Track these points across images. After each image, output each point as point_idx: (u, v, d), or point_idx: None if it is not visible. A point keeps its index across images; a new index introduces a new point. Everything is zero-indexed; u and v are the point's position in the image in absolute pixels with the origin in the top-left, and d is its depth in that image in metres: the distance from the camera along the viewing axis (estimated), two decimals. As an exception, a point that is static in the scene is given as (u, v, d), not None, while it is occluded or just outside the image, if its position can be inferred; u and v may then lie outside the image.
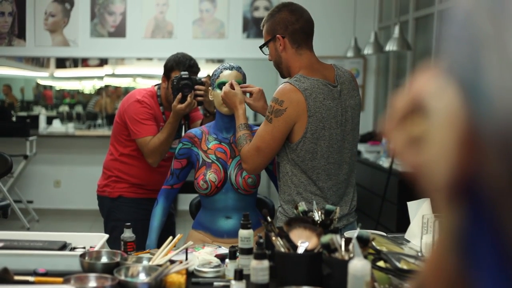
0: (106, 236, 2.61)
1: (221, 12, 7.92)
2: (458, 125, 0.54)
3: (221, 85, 3.16)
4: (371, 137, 7.27)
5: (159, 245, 3.24)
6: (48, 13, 7.84)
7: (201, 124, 3.79)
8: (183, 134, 3.85)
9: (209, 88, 3.28)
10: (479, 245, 0.56)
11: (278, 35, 2.97)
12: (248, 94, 3.21)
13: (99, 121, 9.26)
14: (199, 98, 3.63)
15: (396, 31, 6.06)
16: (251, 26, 7.95)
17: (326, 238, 2.03)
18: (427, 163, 0.60)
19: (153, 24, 7.89)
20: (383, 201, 5.85)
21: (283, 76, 3.11)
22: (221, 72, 3.20)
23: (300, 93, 2.81)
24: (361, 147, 6.84)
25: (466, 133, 0.53)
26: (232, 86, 3.11)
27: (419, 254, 2.30)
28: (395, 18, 7.22)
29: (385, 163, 6.16)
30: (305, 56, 2.97)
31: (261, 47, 3.14)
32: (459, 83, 0.53)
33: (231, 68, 3.21)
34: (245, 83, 3.24)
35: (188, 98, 3.57)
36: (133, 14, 7.88)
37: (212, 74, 3.27)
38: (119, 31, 7.91)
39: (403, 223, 5.48)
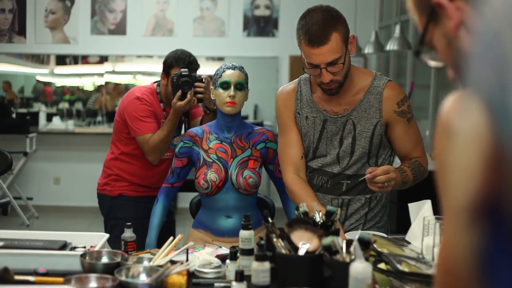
0: (107, 235, 2.61)
1: (221, 10, 7.92)
2: (484, 146, 0.53)
3: (223, 84, 3.14)
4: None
5: (158, 244, 3.25)
6: (48, 10, 7.85)
7: (201, 121, 3.79)
8: (183, 131, 3.85)
9: (211, 87, 3.27)
10: (501, 265, 0.55)
11: (352, 34, 2.76)
12: None
13: (99, 118, 9.25)
14: (199, 95, 3.62)
15: (397, 30, 6.06)
16: (251, 24, 7.95)
17: (327, 240, 2.03)
18: (451, 183, 0.59)
19: (154, 22, 7.89)
20: (383, 200, 5.86)
21: (339, 90, 2.81)
22: (224, 71, 3.19)
23: None
24: (361, 146, 6.84)
25: (492, 154, 0.52)
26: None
27: (420, 256, 2.30)
28: (396, 18, 7.22)
29: (385, 162, 6.16)
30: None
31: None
32: (485, 103, 0.52)
33: (233, 67, 3.20)
34: (247, 82, 3.23)
35: (188, 95, 3.56)
36: (133, 12, 7.88)
37: (214, 74, 3.25)
38: (120, 29, 7.92)
39: (403, 222, 5.48)
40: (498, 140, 0.51)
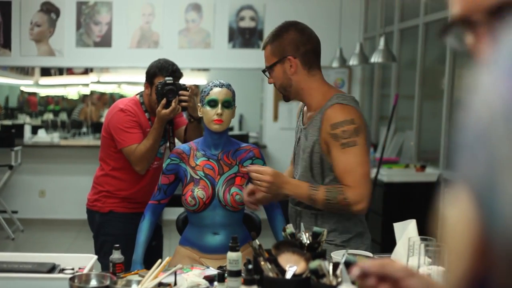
0: (95, 257, 2.62)
1: (207, 22, 7.93)
2: (471, 234, 0.54)
3: (211, 102, 3.15)
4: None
5: (145, 260, 3.26)
6: (33, 23, 7.83)
7: (185, 130, 3.81)
8: (167, 140, 3.86)
9: (198, 104, 3.29)
10: None
11: (289, 56, 2.85)
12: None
13: (84, 130, 9.25)
14: (184, 104, 3.64)
15: (382, 42, 6.10)
16: (236, 36, 7.98)
17: (314, 264, 2.05)
18: (447, 266, 0.60)
19: (139, 34, 7.89)
20: (369, 212, 5.88)
21: (288, 99, 2.99)
22: (211, 89, 3.19)
23: (356, 109, 2.78)
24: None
25: (479, 243, 0.54)
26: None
27: (406, 276, 2.33)
28: (380, 29, 7.27)
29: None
30: (318, 77, 2.91)
31: (266, 70, 2.98)
32: (474, 196, 0.54)
33: (221, 85, 3.20)
34: (234, 100, 3.24)
35: (173, 104, 3.59)
36: (119, 24, 7.88)
37: (201, 91, 3.27)
38: (105, 41, 7.91)
39: (388, 234, 5.52)
40: (485, 233, 0.53)
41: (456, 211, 0.56)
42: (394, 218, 5.49)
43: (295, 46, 2.85)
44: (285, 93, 2.96)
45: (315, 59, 2.91)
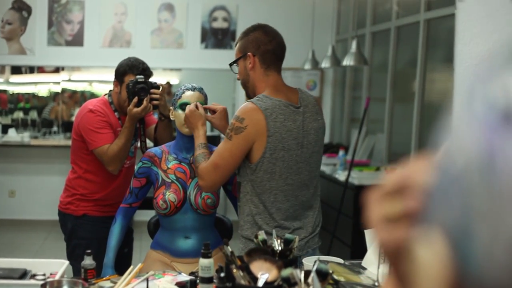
0: (66, 263, 2.61)
1: (179, 23, 7.92)
2: (444, 279, 0.55)
3: (183, 105, 3.17)
4: (327, 149, 7.32)
5: (116, 264, 3.26)
6: (4, 21, 7.76)
7: (155, 128, 3.81)
8: (138, 139, 3.84)
9: (170, 107, 3.30)
10: None
11: (249, 53, 2.99)
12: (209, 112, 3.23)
13: (55, 129, 9.17)
14: (155, 102, 3.64)
15: (354, 46, 6.13)
16: (209, 36, 7.98)
17: (286, 272, 2.07)
18: None
19: (111, 33, 7.86)
20: (339, 214, 5.92)
21: (248, 96, 3.10)
22: (183, 92, 3.21)
23: (261, 112, 2.84)
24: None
25: (452, 286, 0.54)
26: (196, 107, 3.12)
27: (376, 284, 2.36)
28: (353, 32, 7.31)
29: (341, 176, 6.22)
30: (272, 78, 3.00)
31: (231, 64, 3.13)
32: (448, 240, 0.54)
33: (193, 89, 3.22)
34: (206, 103, 3.26)
35: (144, 102, 3.58)
36: (91, 23, 7.84)
37: (174, 94, 3.28)
38: (77, 40, 7.87)
39: (358, 237, 5.55)
40: (458, 277, 0.53)
41: (428, 252, 0.56)
42: (364, 221, 5.58)
43: (256, 44, 2.99)
44: (245, 89, 3.12)
45: (274, 60, 3.02)
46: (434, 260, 0.55)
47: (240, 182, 3.00)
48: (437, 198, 0.55)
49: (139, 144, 3.87)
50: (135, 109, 3.57)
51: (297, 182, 2.95)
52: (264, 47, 2.98)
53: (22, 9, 7.79)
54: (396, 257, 0.62)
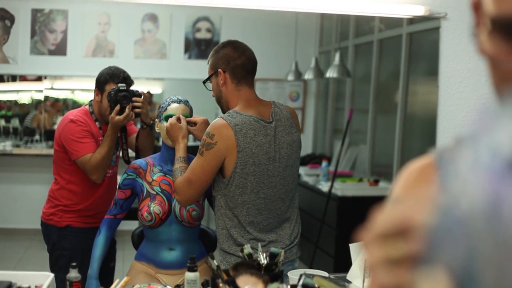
0: (52, 275, 2.61)
1: (163, 33, 7.92)
2: None
3: (168, 117, 3.19)
4: (310, 160, 7.35)
5: (100, 274, 3.26)
6: (-13, 30, 7.72)
7: (137, 137, 3.81)
8: (119, 148, 3.84)
9: (156, 120, 3.31)
10: None
11: (219, 70, 3.02)
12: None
13: (37, 137, 9.13)
14: (137, 110, 3.64)
15: (337, 58, 6.17)
16: (192, 47, 7.98)
17: (272, 287, 2.08)
18: None
19: (95, 43, 7.84)
20: (322, 225, 5.94)
21: (223, 111, 3.13)
22: (169, 105, 3.23)
23: (231, 128, 2.88)
24: (301, 170, 6.90)
25: None
26: (178, 120, 3.14)
27: (361, 297, 2.37)
28: (336, 44, 7.35)
29: (324, 187, 6.24)
30: (243, 92, 3.04)
31: (204, 82, 3.17)
32: (453, 280, 0.54)
33: (178, 101, 3.25)
34: (191, 116, 3.28)
35: (126, 110, 3.58)
36: (74, 33, 7.81)
37: (159, 107, 3.30)
38: (60, 49, 7.84)
39: (341, 248, 5.58)
40: None
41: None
42: (347, 232, 5.58)
43: (226, 60, 3.03)
44: (219, 105, 3.17)
45: (245, 75, 3.05)
46: None
47: (215, 196, 3.03)
48: (440, 238, 0.55)
49: (121, 153, 3.87)
50: (117, 117, 3.57)
51: (270, 196, 2.98)
52: (234, 63, 3.02)
53: (5, 18, 7.75)
54: None
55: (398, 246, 0.62)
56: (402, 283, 0.61)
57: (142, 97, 3.67)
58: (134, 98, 3.62)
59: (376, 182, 6.13)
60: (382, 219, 0.65)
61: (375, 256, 0.64)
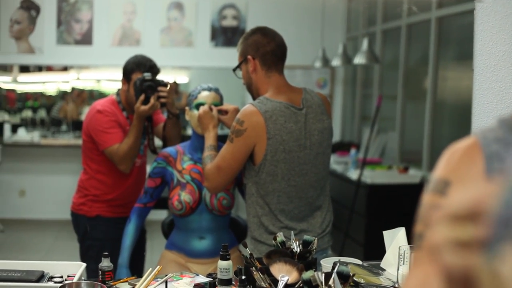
0: (84, 265, 2.59)
1: (189, 21, 7.89)
2: None
3: (198, 105, 3.18)
4: (339, 148, 7.29)
5: (130, 263, 3.25)
6: (13, 20, 7.74)
7: (164, 126, 3.78)
8: (146, 137, 3.82)
9: (186, 108, 3.28)
10: None
11: (249, 56, 3.00)
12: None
13: (64, 127, 9.18)
14: (162, 100, 3.60)
15: (365, 44, 6.11)
16: (219, 35, 7.94)
17: (307, 275, 2.05)
18: None
19: (121, 32, 7.84)
20: (352, 213, 5.90)
21: (254, 98, 3.10)
22: (199, 93, 3.22)
23: (261, 115, 2.86)
24: (329, 157, 6.85)
25: None
26: (210, 109, 3.12)
27: (396, 285, 2.33)
28: (363, 30, 7.28)
29: (353, 174, 6.19)
30: (274, 79, 3.01)
31: (234, 70, 3.16)
32: None
33: (209, 89, 3.23)
34: (222, 104, 3.26)
35: (152, 100, 3.55)
36: (100, 22, 7.81)
37: (189, 94, 3.28)
38: (86, 39, 7.84)
39: (371, 236, 5.54)
40: None
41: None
42: (377, 220, 5.55)
43: (255, 47, 3.01)
44: (250, 92, 3.15)
45: (275, 61, 3.03)
46: None
47: (246, 183, 3.00)
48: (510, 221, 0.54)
49: (147, 142, 3.85)
50: (142, 107, 3.54)
51: (301, 184, 2.94)
52: (263, 49, 2.99)
53: (30, 8, 7.77)
54: (462, 281, 0.61)
55: (468, 229, 0.62)
56: (469, 266, 0.61)
57: (168, 86, 3.64)
58: (159, 88, 3.58)
59: (405, 169, 6.07)
60: (454, 200, 0.63)
61: (443, 236, 0.64)
